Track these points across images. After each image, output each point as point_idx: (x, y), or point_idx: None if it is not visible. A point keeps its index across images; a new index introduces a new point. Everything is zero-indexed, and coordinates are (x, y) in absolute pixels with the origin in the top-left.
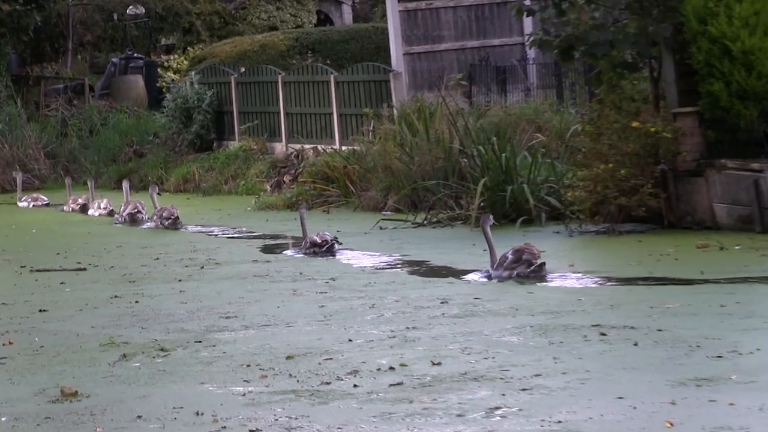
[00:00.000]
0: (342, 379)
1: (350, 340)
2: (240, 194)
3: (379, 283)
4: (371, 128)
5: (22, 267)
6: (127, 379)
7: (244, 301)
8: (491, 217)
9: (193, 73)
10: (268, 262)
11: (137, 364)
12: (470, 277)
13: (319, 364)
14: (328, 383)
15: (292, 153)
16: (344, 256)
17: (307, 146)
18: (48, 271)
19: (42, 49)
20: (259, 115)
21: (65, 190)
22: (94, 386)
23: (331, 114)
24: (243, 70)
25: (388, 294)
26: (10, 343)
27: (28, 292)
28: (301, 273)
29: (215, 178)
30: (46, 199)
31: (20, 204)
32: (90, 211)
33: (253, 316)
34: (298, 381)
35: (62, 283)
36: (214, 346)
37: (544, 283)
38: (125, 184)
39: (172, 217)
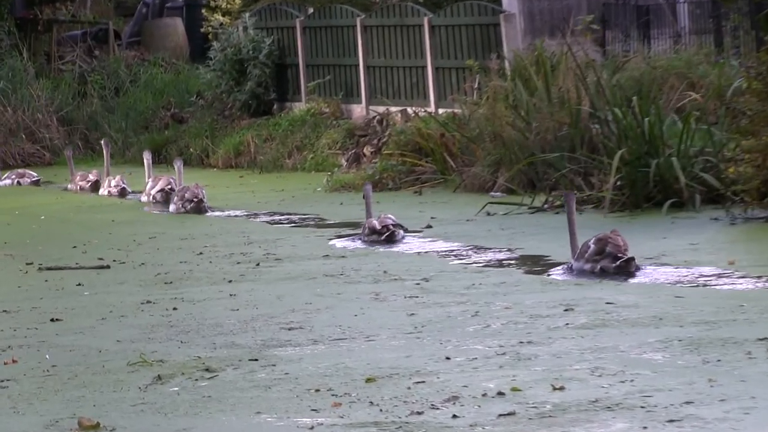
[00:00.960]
0: (437, 408)
1: (448, 358)
2: (307, 171)
3: (485, 285)
4: (476, 86)
5: (28, 264)
6: (162, 407)
7: (311, 308)
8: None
9: (247, 15)
10: (343, 257)
11: (175, 389)
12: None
13: (408, 389)
14: (419, 413)
15: (374, 117)
16: (440, 251)
17: (393, 109)
18: (61, 269)
19: None
20: (332, 68)
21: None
22: (120, 417)
23: (424, 67)
24: (311, 10)
25: (497, 299)
26: (13, 361)
27: (36, 297)
28: (385, 272)
29: (276, 150)
30: (34, 175)
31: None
32: (101, 190)
33: (323, 327)
34: (381, 410)
35: (79, 284)
36: (274, 365)
37: (695, 285)
38: (146, 156)
39: (195, 198)
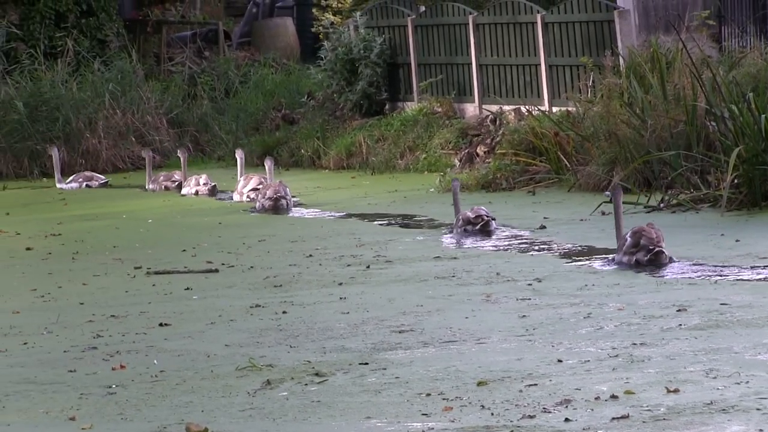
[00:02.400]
0: (550, 412)
1: (560, 361)
2: (420, 171)
3: (598, 286)
4: (590, 83)
5: (136, 268)
6: (271, 412)
7: (422, 311)
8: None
9: (358, 14)
10: (455, 259)
11: (285, 394)
12: (595, 264)
13: (520, 392)
14: (531, 417)
15: (487, 117)
16: (552, 250)
17: (506, 107)
18: (169, 273)
19: None
20: (444, 67)
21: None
22: (229, 422)
23: (537, 65)
24: (423, 9)
25: (610, 300)
26: (121, 366)
27: (145, 301)
28: (497, 273)
29: (388, 151)
30: (102, 177)
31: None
32: (184, 190)
33: (433, 329)
34: (492, 414)
35: (188, 288)
36: (384, 369)
37: None
38: (239, 155)
39: (274, 197)
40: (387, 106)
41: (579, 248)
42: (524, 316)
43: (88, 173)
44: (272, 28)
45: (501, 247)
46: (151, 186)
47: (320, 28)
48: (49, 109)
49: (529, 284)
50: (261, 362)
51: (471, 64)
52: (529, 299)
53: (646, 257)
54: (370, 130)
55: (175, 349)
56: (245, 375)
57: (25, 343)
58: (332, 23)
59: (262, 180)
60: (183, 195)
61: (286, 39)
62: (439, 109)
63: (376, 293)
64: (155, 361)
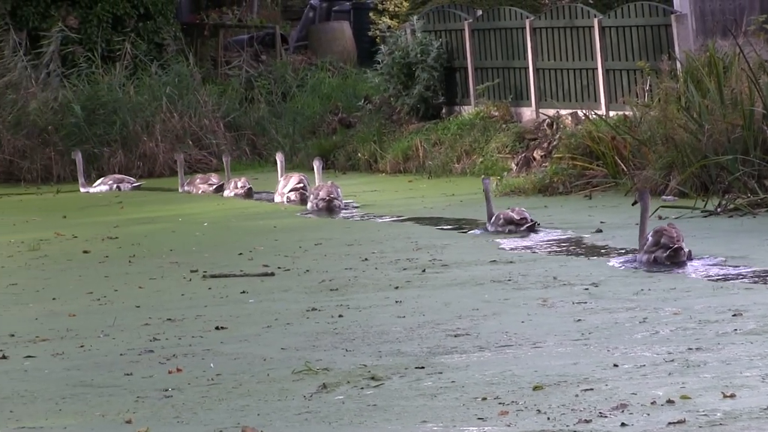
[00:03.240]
0: (606, 416)
1: (616, 365)
2: (476, 175)
3: (654, 290)
4: (647, 87)
5: (192, 272)
6: (327, 416)
7: (478, 315)
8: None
9: (415, 18)
10: (511, 262)
11: (341, 397)
12: (615, 262)
13: (576, 396)
14: (587, 421)
15: (544, 121)
16: (609, 254)
17: (563, 112)
18: (225, 276)
19: None
20: (501, 71)
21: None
22: (284, 425)
23: (594, 69)
24: (480, 13)
25: (666, 304)
26: (178, 370)
27: (201, 305)
28: (554, 277)
29: (444, 155)
30: (133, 180)
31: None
32: (226, 192)
33: (489, 333)
34: (548, 419)
35: (244, 292)
36: (440, 373)
37: None
38: (279, 157)
39: (327, 198)
40: (444, 110)
41: (635, 252)
42: (580, 320)
43: (118, 176)
44: (329, 32)
45: (557, 251)
46: (186, 188)
47: (377, 31)
48: (107, 112)
49: (585, 288)
50: (317, 366)
51: (528, 68)
52: (585, 303)
53: (664, 254)
54: (427, 134)
55: (232, 353)
56: (301, 378)
57: (81, 346)
58: (389, 27)
59: (302, 178)
60: (224, 197)
61: (343, 43)
62: (496, 113)
63: (432, 297)
64: (211, 365)
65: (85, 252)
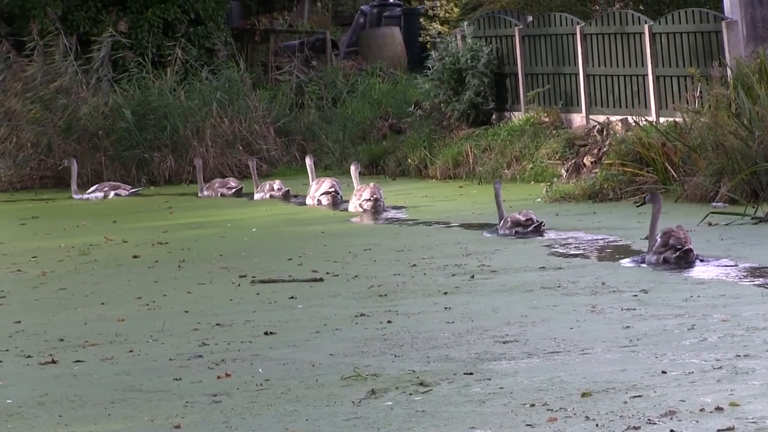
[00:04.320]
0: (654, 423)
1: (664, 372)
2: (526, 181)
3: (703, 297)
4: (698, 94)
5: (241, 277)
6: (375, 422)
7: (527, 321)
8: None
9: (465, 23)
10: (560, 269)
11: (389, 403)
12: (624, 262)
13: (625, 403)
14: (636, 428)
15: (594, 127)
16: (659, 261)
17: (613, 118)
18: (273, 282)
19: None
20: (551, 77)
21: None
22: (333, 431)
23: (644, 76)
24: (530, 19)
25: (715, 311)
26: (227, 375)
27: (249, 310)
28: (603, 283)
29: (494, 161)
30: (130, 186)
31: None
32: (257, 195)
33: (538, 340)
34: (597, 425)
35: (292, 297)
36: (489, 379)
37: None
38: (309, 161)
39: (371, 198)
40: (494, 116)
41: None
42: (628, 326)
43: (114, 183)
44: (380, 37)
45: (606, 258)
46: (206, 192)
47: (427, 37)
48: (157, 117)
49: (635, 295)
50: (366, 371)
51: (578, 74)
52: (634, 310)
53: (674, 255)
54: (477, 139)
55: (280, 358)
56: (350, 384)
57: (130, 351)
58: (439, 33)
59: (334, 183)
60: (254, 200)
61: (393, 48)
62: (546, 119)
63: (481, 303)
64: (260, 370)
65: (135, 257)
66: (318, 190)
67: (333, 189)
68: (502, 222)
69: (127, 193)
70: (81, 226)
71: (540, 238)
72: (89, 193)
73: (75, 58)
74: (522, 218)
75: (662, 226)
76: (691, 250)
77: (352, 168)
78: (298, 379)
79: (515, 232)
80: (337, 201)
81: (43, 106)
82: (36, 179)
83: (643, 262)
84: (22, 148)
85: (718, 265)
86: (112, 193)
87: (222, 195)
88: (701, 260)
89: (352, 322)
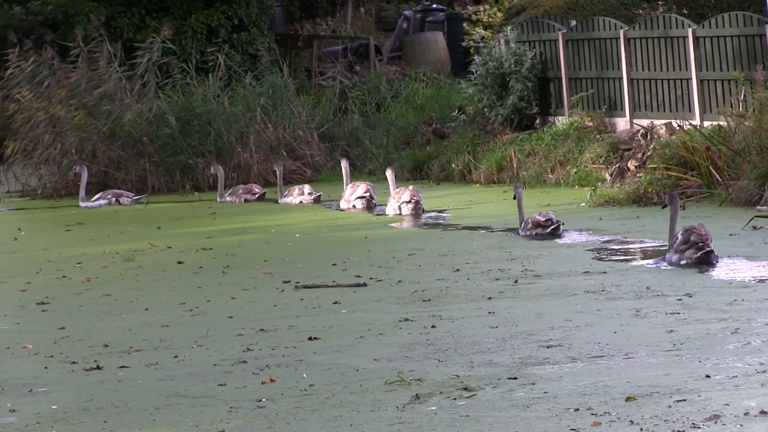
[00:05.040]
0: (699, 427)
1: (708, 376)
2: (570, 185)
3: (748, 301)
4: (741, 97)
5: (285, 282)
6: (419, 427)
7: (571, 325)
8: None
9: (509, 28)
10: (604, 273)
11: (433, 408)
12: (645, 262)
13: (669, 407)
14: None
15: (638, 131)
16: (702, 265)
17: (657, 122)
18: (317, 287)
19: (314, 0)
20: (595, 82)
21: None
22: None
23: (688, 80)
24: (574, 23)
25: (759, 315)
26: (271, 380)
27: (293, 315)
28: (647, 287)
29: (538, 165)
30: (131, 194)
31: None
32: (287, 199)
33: (582, 344)
34: (641, 429)
35: (336, 302)
36: (533, 384)
37: None
38: (344, 164)
39: (410, 200)
40: (537, 121)
41: (731, 262)
42: (672, 330)
43: (117, 190)
44: (423, 42)
45: (650, 262)
46: (228, 198)
47: (471, 42)
48: (201, 123)
49: (679, 299)
50: (410, 376)
51: (622, 78)
52: (678, 314)
53: (695, 255)
54: (521, 144)
55: (324, 363)
56: (394, 389)
57: (175, 357)
58: (483, 37)
59: (369, 187)
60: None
61: (436, 53)
62: (590, 124)
63: (524, 307)
64: (304, 375)
65: (179, 263)
66: (353, 194)
67: (368, 193)
68: (522, 224)
69: (129, 201)
70: (125, 232)
71: (584, 241)
72: (94, 201)
73: (119, 64)
74: (542, 219)
75: (708, 229)
76: (712, 252)
77: (388, 172)
78: (343, 384)
79: (535, 233)
80: (371, 205)
81: (87, 113)
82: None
83: (664, 261)
84: (66, 154)
85: (762, 269)
86: (114, 200)
87: (246, 201)
88: (719, 260)
89: (396, 327)
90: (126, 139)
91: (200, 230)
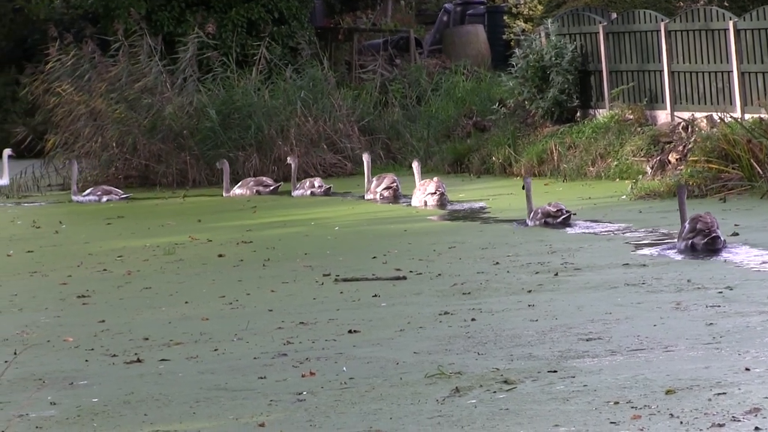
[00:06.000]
0: (739, 420)
1: (747, 369)
2: (611, 178)
3: None
4: None
5: (324, 276)
6: (459, 420)
7: (611, 318)
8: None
9: (549, 21)
10: (644, 266)
11: (473, 401)
12: (651, 251)
13: (709, 400)
14: (720, 425)
15: (679, 124)
16: (743, 258)
17: (698, 115)
18: (357, 280)
19: None
20: (636, 74)
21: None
22: (417, 429)
23: (729, 72)
24: (614, 16)
25: None
26: (311, 373)
27: (333, 308)
28: (688, 280)
29: (579, 158)
30: (120, 192)
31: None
32: (298, 192)
33: (621, 337)
34: (681, 422)
35: (375, 296)
36: (573, 377)
37: None
38: (366, 158)
39: (436, 191)
40: (578, 114)
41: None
42: (711, 324)
43: (106, 187)
44: (463, 35)
45: (691, 255)
46: (238, 191)
47: (511, 35)
48: (241, 116)
49: (720, 292)
50: (449, 369)
51: (663, 71)
52: (718, 306)
53: (702, 241)
54: (562, 137)
55: (364, 356)
56: (434, 382)
57: (215, 350)
58: (523, 30)
59: (395, 178)
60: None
61: (477, 46)
62: (631, 116)
63: (564, 300)
64: (344, 368)
65: (220, 256)
66: (380, 185)
67: (394, 184)
68: (532, 214)
69: (117, 198)
70: (166, 225)
71: (624, 234)
72: (84, 196)
73: (159, 58)
74: (552, 209)
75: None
76: (718, 237)
77: (414, 164)
78: (382, 377)
79: (545, 222)
80: (398, 195)
81: (127, 106)
82: (121, 179)
83: (674, 249)
84: (107, 147)
85: None
86: (105, 198)
87: (258, 193)
88: (726, 245)
89: (436, 320)
90: (166, 132)
91: (240, 223)
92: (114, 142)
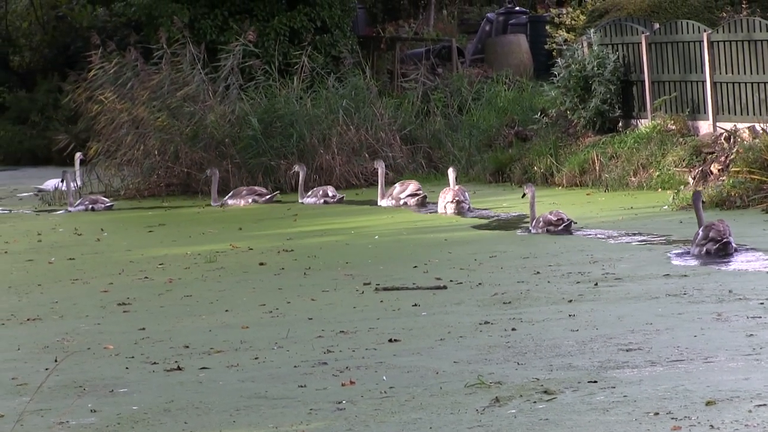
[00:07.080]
0: None
1: None
2: (653, 188)
3: None
4: None
5: (365, 284)
6: (499, 430)
7: (651, 329)
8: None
9: (591, 31)
10: (685, 276)
11: (513, 411)
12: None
13: (749, 412)
14: None
15: (721, 134)
16: None
17: (741, 125)
18: (397, 289)
19: (397, 2)
20: (678, 85)
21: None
22: None
23: None
24: (657, 26)
25: None
26: (351, 382)
27: (373, 317)
28: (730, 291)
29: (621, 168)
30: (107, 200)
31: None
32: (309, 200)
33: (661, 348)
34: None
35: (416, 305)
36: (613, 387)
37: None
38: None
39: (453, 200)
40: (620, 124)
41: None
42: (752, 335)
43: (93, 196)
44: (505, 45)
45: (732, 265)
46: (230, 201)
47: (553, 44)
48: (283, 125)
49: (761, 303)
50: (489, 379)
51: (705, 81)
52: (759, 317)
53: (714, 247)
54: (603, 147)
55: (404, 366)
56: (474, 392)
57: (255, 358)
58: (565, 40)
59: (419, 186)
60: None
61: (519, 56)
62: (673, 127)
63: (605, 311)
64: (384, 377)
65: (261, 264)
66: (403, 192)
67: (420, 191)
68: (534, 222)
69: (103, 206)
70: (207, 233)
71: (665, 245)
72: (75, 207)
73: (202, 66)
74: (553, 218)
75: (727, 225)
76: (729, 243)
77: (450, 171)
78: (422, 386)
79: (547, 230)
80: (423, 203)
81: (169, 114)
82: (163, 187)
83: (688, 255)
84: (148, 155)
85: None
86: (91, 206)
87: (254, 202)
88: (738, 251)
89: (476, 329)
90: (208, 140)
91: (281, 232)
92: (156, 150)
